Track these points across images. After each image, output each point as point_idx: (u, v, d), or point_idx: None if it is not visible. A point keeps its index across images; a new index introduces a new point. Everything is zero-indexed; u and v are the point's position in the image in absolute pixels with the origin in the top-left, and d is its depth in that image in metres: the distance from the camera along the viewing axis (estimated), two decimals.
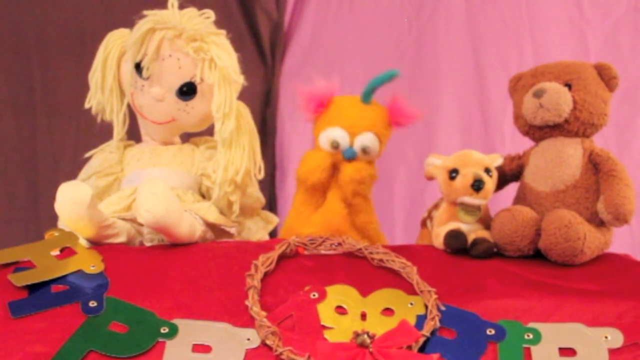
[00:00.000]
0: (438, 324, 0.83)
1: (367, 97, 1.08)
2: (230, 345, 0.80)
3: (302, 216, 1.07)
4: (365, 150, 1.07)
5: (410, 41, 1.75)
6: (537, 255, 0.97)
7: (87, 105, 1.11)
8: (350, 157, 1.06)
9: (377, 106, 1.09)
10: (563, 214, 0.94)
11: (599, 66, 1.03)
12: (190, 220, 0.98)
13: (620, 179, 0.97)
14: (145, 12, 1.04)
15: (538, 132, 1.04)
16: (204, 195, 1.09)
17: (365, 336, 0.78)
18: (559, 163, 1.01)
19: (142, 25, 1.03)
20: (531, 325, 0.83)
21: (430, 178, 1.04)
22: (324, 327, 0.83)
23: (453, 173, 1.00)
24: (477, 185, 0.98)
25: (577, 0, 1.71)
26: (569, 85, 1.01)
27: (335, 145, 1.06)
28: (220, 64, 1.02)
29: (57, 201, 0.91)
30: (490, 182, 1.00)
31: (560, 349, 0.81)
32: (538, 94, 1.00)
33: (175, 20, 1.02)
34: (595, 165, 0.99)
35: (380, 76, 1.09)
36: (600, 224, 0.98)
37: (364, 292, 0.88)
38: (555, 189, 1.00)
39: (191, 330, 0.81)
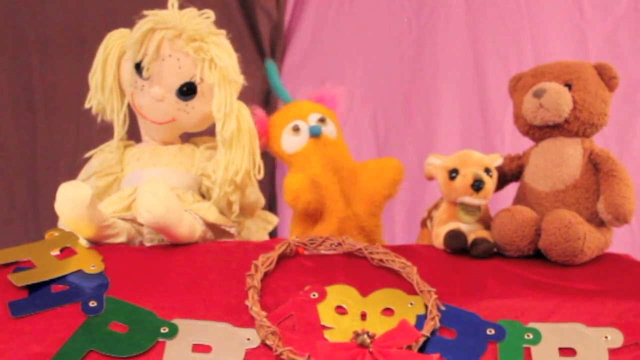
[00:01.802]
0: (438, 324, 0.83)
1: (284, 97, 1.13)
2: (230, 345, 0.80)
3: (307, 231, 1.06)
4: (322, 119, 1.08)
5: (410, 41, 1.75)
6: (537, 255, 0.97)
7: (87, 105, 1.11)
8: (317, 132, 1.06)
9: (313, 101, 1.12)
10: (563, 214, 0.94)
11: (599, 66, 1.03)
12: (190, 220, 0.98)
13: (620, 179, 0.97)
14: (145, 12, 1.04)
15: (538, 132, 1.04)
16: (204, 195, 1.09)
17: (365, 336, 0.78)
18: (559, 163, 1.01)
19: (142, 25, 1.03)
20: (531, 325, 0.83)
21: (430, 178, 1.04)
22: (324, 327, 0.83)
23: (453, 173, 1.00)
24: (477, 185, 0.98)
25: (577, 0, 1.71)
26: (569, 85, 1.01)
27: (296, 128, 1.07)
28: (220, 64, 1.02)
29: (57, 201, 0.91)
30: (490, 182, 1.00)
31: (560, 349, 0.81)
32: (538, 94, 1.00)
33: (175, 20, 1.02)
34: (595, 165, 0.99)
35: (270, 76, 1.14)
36: (600, 224, 0.98)
37: (364, 292, 0.88)
38: (555, 189, 1.00)
39: (191, 330, 0.81)
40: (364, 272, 0.92)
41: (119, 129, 1.11)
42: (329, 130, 1.08)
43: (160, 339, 0.79)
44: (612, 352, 0.80)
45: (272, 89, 1.13)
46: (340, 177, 1.07)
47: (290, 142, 1.08)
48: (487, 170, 1.00)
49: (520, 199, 1.05)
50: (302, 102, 1.12)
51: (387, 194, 1.09)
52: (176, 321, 0.82)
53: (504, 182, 1.08)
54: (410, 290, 0.89)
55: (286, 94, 1.13)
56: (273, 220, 1.20)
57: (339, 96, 1.12)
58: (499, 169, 1.04)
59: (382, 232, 1.11)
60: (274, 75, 1.15)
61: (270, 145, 1.11)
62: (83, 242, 0.96)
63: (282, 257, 0.93)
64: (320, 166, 1.06)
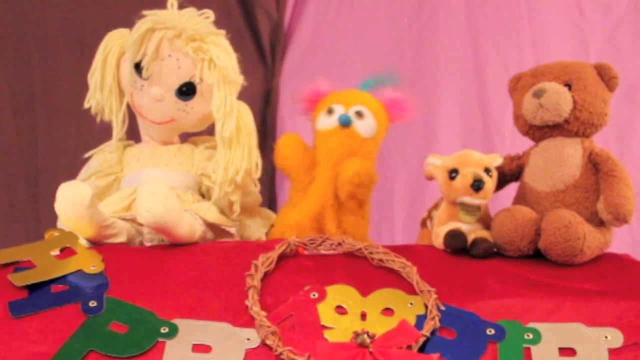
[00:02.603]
0: (438, 324, 0.83)
1: (365, 86, 1.12)
2: (230, 345, 0.80)
3: (294, 206, 1.08)
4: (359, 113, 1.07)
5: (410, 41, 1.75)
6: (537, 255, 0.97)
7: (86, 105, 1.11)
8: (345, 122, 1.06)
9: (375, 98, 1.11)
10: (563, 214, 0.94)
11: (599, 66, 1.03)
12: (190, 220, 0.98)
13: (620, 179, 0.97)
14: (144, 12, 1.04)
15: (538, 132, 1.04)
16: (204, 195, 1.09)
17: (365, 336, 0.78)
18: (558, 163, 1.00)
19: (141, 25, 1.03)
20: (531, 325, 0.83)
21: (430, 178, 1.04)
22: (324, 327, 0.83)
23: (453, 173, 1.00)
24: (477, 185, 0.98)
25: (577, 0, 1.71)
26: (568, 85, 1.01)
27: (330, 110, 1.08)
28: (220, 64, 1.02)
29: (57, 201, 0.91)
30: (490, 182, 1.00)
31: (560, 348, 0.81)
32: (538, 94, 1.00)
33: (175, 20, 1.02)
34: (595, 165, 0.99)
35: (381, 77, 1.12)
36: (600, 223, 0.98)
37: (364, 292, 0.88)
38: (555, 189, 1.00)
39: (191, 330, 0.81)
40: (364, 272, 0.92)
41: (118, 129, 1.11)
42: (363, 125, 1.07)
43: (160, 339, 0.79)
44: (612, 352, 0.80)
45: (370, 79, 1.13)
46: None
47: (321, 121, 1.09)
48: (487, 170, 1.00)
49: (520, 199, 1.05)
50: (359, 92, 1.11)
51: (342, 194, 1.05)
52: (176, 321, 0.82)
53: (504, 182, 1.08)
54: (410, 290, 0.89)
55: (367, 85, 1.13)
56: (272, 217, 1.19)
57: (411, 110, 1.11)
58: (499, 169, 1.04)
59: (366, 232, 1.10)
60: (379, 82, 1.14)
61: (312, 115, 1.12)
62: (83, 242, 0.96)
63: (282, 257, 0.93)
64: (328, 151, 1.07)
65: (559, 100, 0.99)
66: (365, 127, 1.08)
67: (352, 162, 1.06)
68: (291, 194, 1.11)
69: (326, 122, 1.08)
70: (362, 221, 1.10)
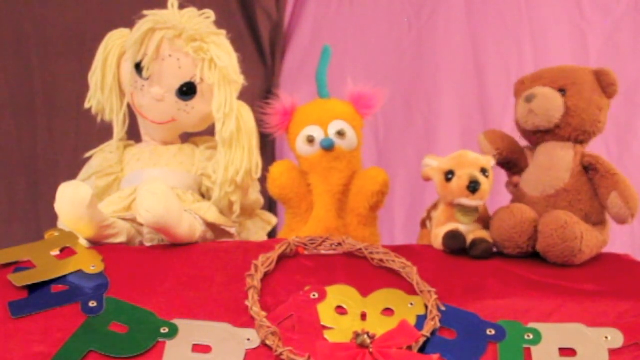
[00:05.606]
0: (438, 324, 0.83)
1: (322, 90, 1.10)
2: (230, 345, 0.80)
3: (294, 233, 1.06)
4: (340, 133, 1.06)
5: (410, 41, 1.75)
6: (537, 255, 0.97)
7: (87, 106, 1.11)
8: (328, 145, 1.05)
9: (340, 101, 1.10)
10: (559, 215, 0.94)
11: (598, 72, 1.02)
12: (190, 220, 0.98)
13: (624, 179, 0.97)
14: (145, 12, 1.04)
15: (532, 136, 1.03)
16: (204, 195, 1.09)
17: (366, 336, 0.78)
18: (548, 167, 1.00)
19: (142, 25, 1.03)
20: (531, 325, 0.83)
21: (427, 179, 1.04)
22: (324, 327, 0.83)
23: (449, 175, 0.99)
24: (473, 187, 0.97)
25: (577, 0, 1.71)
26: (563, 91, 1.01)
27: (310, 139, 1.06)
28: (220, 64, 1.02)
29: (57, 201, 0.91)
30: (486, 183, 0.99)
31: (560, 349, 0.81)
32: (529, 99, 1.00)
33: (175, 20, 1.03)
34: (589, 166, 0.99)
35: (319, 64, 1.11)
36: (595, 223, 0.98)
37: (364, 292, 0.88)
38: (545, 194, 1.00)
39: (191, 330, 0.81)
40: (364, 272, 0.92)
41: (119, 129, 1.11)
42: (347, 143, 1.07)
43: (160, 339, 0.79)
44: (612, 352, 0.80)
45: (316, 73, 1.11)
46: (340, 190, 1.08)
47: (302, 148, 1.08)
48: (484, 171, 1.00)
49: (515, 203, 1.05)
50: (330, 103, 1.09)
51: (368, 205, 1.06)
52: (176, 321, 0.82)
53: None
54: (410, 290, 0.89)
55: (324, 86, 1.11)
56: (272, 220, 1.20)
57: (378, 99, 1.10)
58: (507, 158, 1.04)
59: (379, 240, 1.10)
60: (325, 61, 1.12)
61: (287, 137, 1.11)
62: (83, 242, 0.96)
63: (282, 257, 0.93)
64: (321, 176, 1.07)
65: (548, 106, 0.99)
66: (348, 142, 1.07)
67: (374, 172, 1.07)
68: (288, 219, 1.11)
69: (309, 150, 1.07)
70: (375, 230, 1.10)
